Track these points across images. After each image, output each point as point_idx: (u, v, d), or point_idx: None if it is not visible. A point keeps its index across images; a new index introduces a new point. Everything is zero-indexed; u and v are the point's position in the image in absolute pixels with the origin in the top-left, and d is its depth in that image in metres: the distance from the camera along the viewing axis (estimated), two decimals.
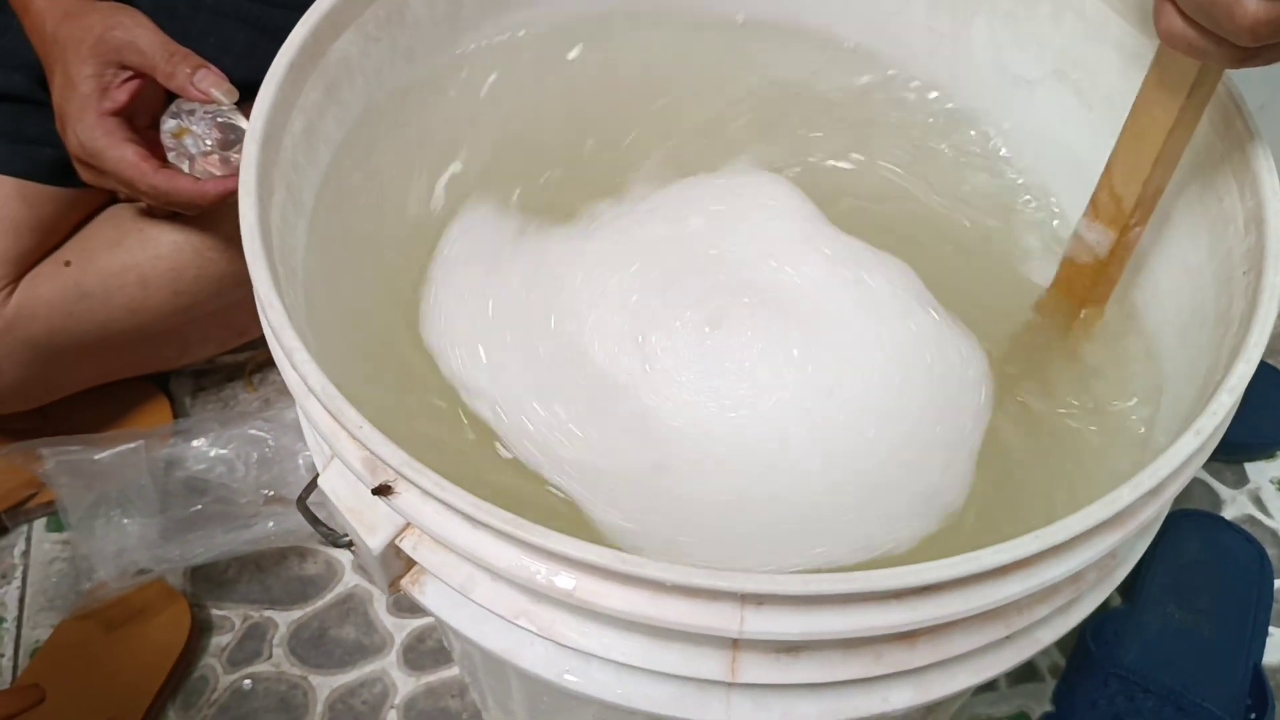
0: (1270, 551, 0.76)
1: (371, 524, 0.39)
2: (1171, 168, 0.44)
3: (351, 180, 0.50)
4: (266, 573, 0.74)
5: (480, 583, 0.38)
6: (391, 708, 0.70)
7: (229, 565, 0.75)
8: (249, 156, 0.42)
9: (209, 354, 0.81)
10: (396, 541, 0.39)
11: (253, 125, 0.43)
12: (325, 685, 0.70)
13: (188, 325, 0.74)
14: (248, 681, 0.70)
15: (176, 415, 0.81)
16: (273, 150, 0.44)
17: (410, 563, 0.40)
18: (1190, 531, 0.75)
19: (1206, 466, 0.81)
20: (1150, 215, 0.46)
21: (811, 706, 0.38)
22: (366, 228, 0.51)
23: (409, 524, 0.38)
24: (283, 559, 0.75)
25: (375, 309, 0.50)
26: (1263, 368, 0.82)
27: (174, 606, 0.72)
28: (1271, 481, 0.80)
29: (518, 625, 0.38)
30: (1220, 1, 0.35)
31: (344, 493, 0.40)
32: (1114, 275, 0.48)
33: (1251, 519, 0.79)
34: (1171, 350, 0.47)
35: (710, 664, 0.37)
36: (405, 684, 0.71)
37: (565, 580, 0.35)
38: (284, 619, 0.73)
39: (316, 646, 0.72)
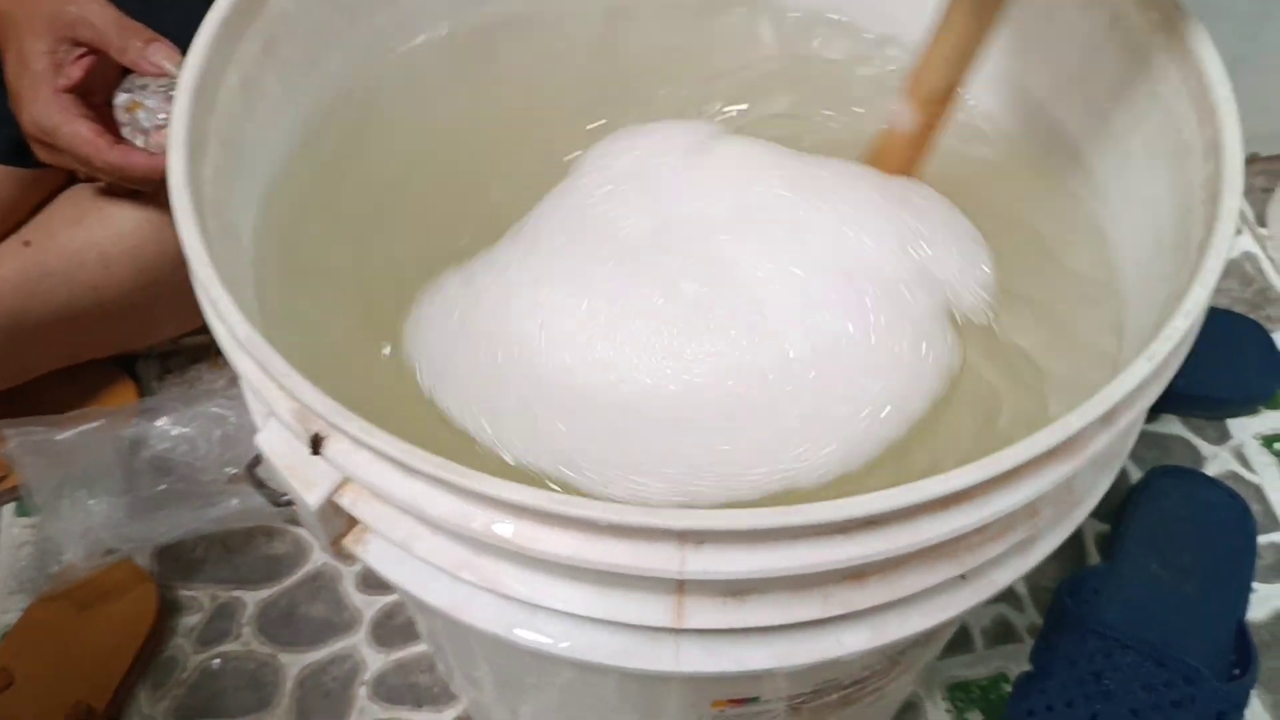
0: (1254, 507, 0.76)
1: (309, 480, 0.38)
2: (971, 56, 0.45)
3: (300, 143, 0.50)
4: (234, 552, 0.74)
5: (421, 536, 0.37)
6: (361, 684, 0.69)
7: (196, 545, 0.74)
8: (180, 108, 0.41)
9: (175, 333, 0.80)
10: (335, 498, 0.38)
11: (183, 77, 0.42)
12: (295, 663, 0.70)
13: (152, 303, 0.73)
14: (217, 661, 0.70)
15: (143, 397, 0.80)
16: (206, 102, 0.43)
17: (351, 520, 0.39)
18: (1171, 488, 0.74)
19: (1188, 423, 0.80)
20: (953, 105, 0.47)
21: (763, 651, 0.37)
22: (326, 191, 0.50)
23: (346, 479, 0.37)
24: (250, 538, 0.74)
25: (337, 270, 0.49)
26: (1247, 323, 0.82)
27: (142, 587, 0.71)
28: (1255, 437, 0.79)
29: (461, 579, 0.37)
30: None
31: (281, 450, 0.39)
32: (916, 154, 0.49)
33: (1234, 475, 0.78)
34: (1134, 284, 0.46)
35: (656, 610, 0.36)
36: (375, 660, 0.70)
37: (502, 526, 0.34)
38: (252, 598, 0.72)
39: (285, 625, 0.71)
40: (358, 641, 0.71)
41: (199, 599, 0.72)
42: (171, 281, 0.72)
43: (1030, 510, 0.38)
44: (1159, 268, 0.43)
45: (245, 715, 0.68)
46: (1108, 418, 0.35)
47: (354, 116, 0.52)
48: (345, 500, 0.38)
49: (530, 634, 0.38)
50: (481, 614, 0.38)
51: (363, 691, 0.69)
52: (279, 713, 0.68)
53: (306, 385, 0.34)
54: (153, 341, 0.80)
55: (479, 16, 0.56)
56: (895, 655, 0.48)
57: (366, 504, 0.38)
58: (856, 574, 0.36)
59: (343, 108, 0.52)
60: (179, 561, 0.74)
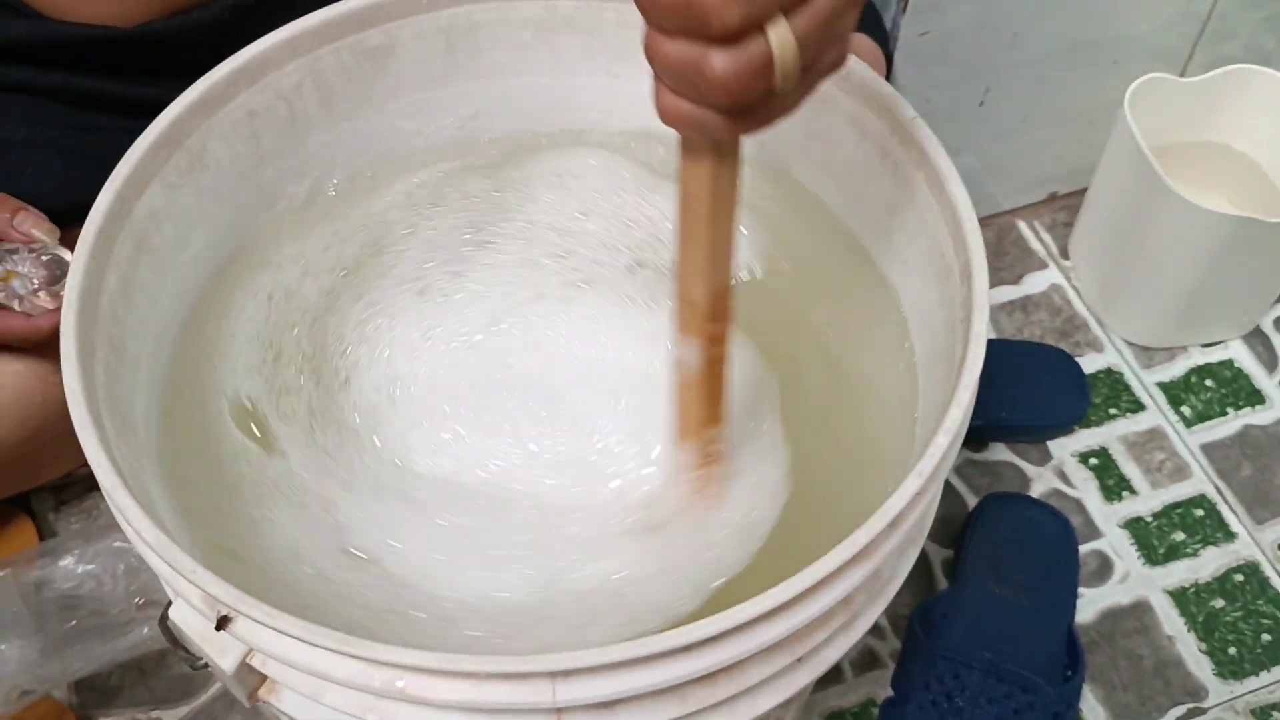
0: (1075, 519, 0.85)
1: (221, 648, 0.43)
2: (727, 255, 0.42)
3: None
4: (149, 675, 0.77)
5: (328, 689, 0.42)
6: None
7: (112, 673, 0.77)
8: (67, 324, 0.45)
9: (65, 470, 0.82)
10: (247, 660, 0.43)
11: (68, 295, 0.46)
12: None
13: (40, 450, 0.76)
14: None
15: (41, 530, 0.82)
16: (90, 312, 0.47)
17: (264, 676, 0.44)
18: (1001, 512, 0.83)
19: (1013, 448, 0.89)
20: (729, 316, 0.44)
21: None
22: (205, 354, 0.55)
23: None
24: (164, 659, 0.77)
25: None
26: (1056, 353, 0.92)
27: None
28: (1072, 455, 0.89)
29: None
30: (691, 66, 0.32)
31: (193, 622, 0.44)
32: (714, 391, 0.46)
33: (1058, 492, 0.87)
34: (925, 389, 0.53)
35: None
36: None
37: (397, 681, 0.39)
38: (172, 717, 0.75)
39: None
40: None
41: None
42: (58, 428, 0.75)
43: (846, 602, 0.45)
44: (936, 372, 0.50)
45: None
46: (892, 525, 0.42)
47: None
48: (256, 662, 0.43)
49: None
50: None
51: None
52: None
53: (212, 579, 0.39)
54: (44, 481, 0.83)
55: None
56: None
57: (276, 665, 0.43)
58: (706, 677, 0.42)
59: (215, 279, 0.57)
60: (95, 690, 0.77)
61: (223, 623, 0.41)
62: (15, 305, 0.65)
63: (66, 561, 0.73)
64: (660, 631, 0.39)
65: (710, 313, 0.43)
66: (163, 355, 0.53)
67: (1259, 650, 0.80)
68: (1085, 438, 0.89)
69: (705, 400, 0.46)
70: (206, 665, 0.45)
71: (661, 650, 0.38)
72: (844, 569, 0.41)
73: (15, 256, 0.65)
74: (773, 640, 0.41)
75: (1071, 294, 0.97)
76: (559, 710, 0.41)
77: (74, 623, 0.73)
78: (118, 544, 0.74)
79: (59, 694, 0.76)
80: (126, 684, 0.77)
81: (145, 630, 0.73)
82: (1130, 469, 0.88)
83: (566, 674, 0.39)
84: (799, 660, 0.45)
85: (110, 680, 0.77)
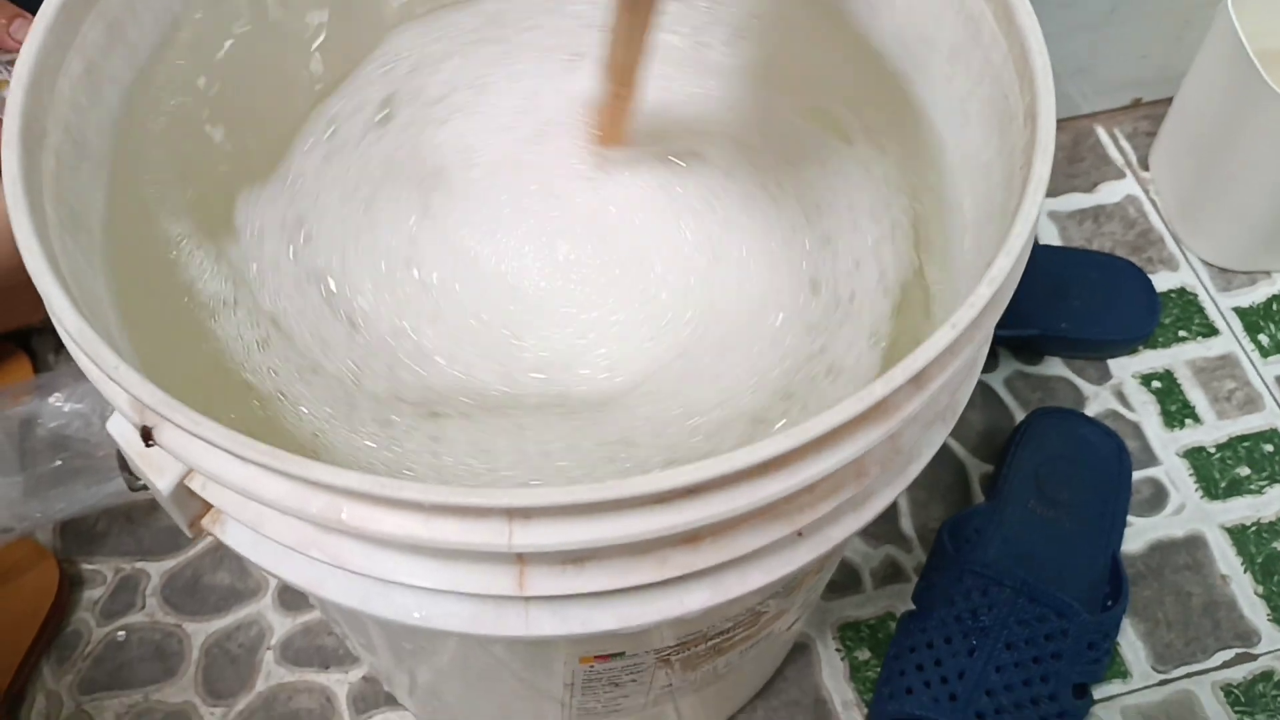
0: (1131, 444, 0.79)
1: (159, 466, 0.39)
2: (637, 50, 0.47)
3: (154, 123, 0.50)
4: (137, 524, 0.74)
5: (269, 517, 0.38)
6: (268, 649, 0.70)
7: (98, 519, 0.74)
8: (13, 102, 0.41)
9: None
10: (186, 482, 0.39)
11: (17, 71, 0.42)
12: (200, 631, 0.71)
13: None
14: (121, 633, 0.71)
15: (39, 373, 0.80)
16: (43, 91, 0.42)
17: (205, 503, 0.40)
18: (1051, 427, 0.77)
19: (1070, 365, 0.82)
20: (634, 81, 0.49)
21: (607, 612, 0.39)
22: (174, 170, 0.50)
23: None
24: (152, 510, 0.74)
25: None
26: (1127, 266, 0.84)
27: (43, 563, 0.71)
28: (1134, 376, 0.82)
29: (311, 556, 0.38)
30: None
31: (130, 436, 0.40)
32: (615, 119, 0.51)
33: (1114, 414, 0.81)
34: (968, 252, 0.47)
35: (499, 580, 0.37)
36: (281, 625, 0.71)
37: (334, 508, 0.35)
38: (156, 569, 0.73)
39: (190, 594, 0.72)
40: (263, 607, 0.72)
41: (102, 572, 0.73)
42: None
43: (857, 469, 0.39)
44: (988, 233, 0.44)
45: (151, 685, 0.69)
46: (917, 381, 0.36)
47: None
48: (195, 485, 0.39)
49: (384, 606, 0.40)
50: (336, 589, 0.40)
51: (269, 656, 0.70)
52: (185, 681, 0.69)
53: (136, 378, 0.35)
54: (44, 317, 0.80)
55: None
56: (757, 607, 0.50)
57: (215, 489, 0.39)
58: (690, 538, 0.37)
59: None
60: (80, 536, 0.74)
61: (147, 435, 0.37)
62: None
63: (55, 398, 0.70)
64: None
65: (618, 77, 0.48)
66: (137, 161, 0.49)
67: None
68: (1149, 359, 0.83)
69: (609, 124, 0.51)
70: (145, 487, 0.41)
71: (634, 495, 0.33)
72: (855, 424, 0.36)
73: (11, 67, 0.61)
74: (766, 500, 0.36)
75: (1148, 207, 0.90)
76: (520, 557, 0.37)
77: (59, 463, 0.70)
78: None
79: (42, 537, 0.73)
80: (113, 532, 0.74)
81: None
82: (1196, 395, 0.81)
83: (526, 513, 0.34)
84: (799, 534, 0.40)
85: (96, 526, 0.74)
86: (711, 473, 0.34)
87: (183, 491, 0.39)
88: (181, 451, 0.36)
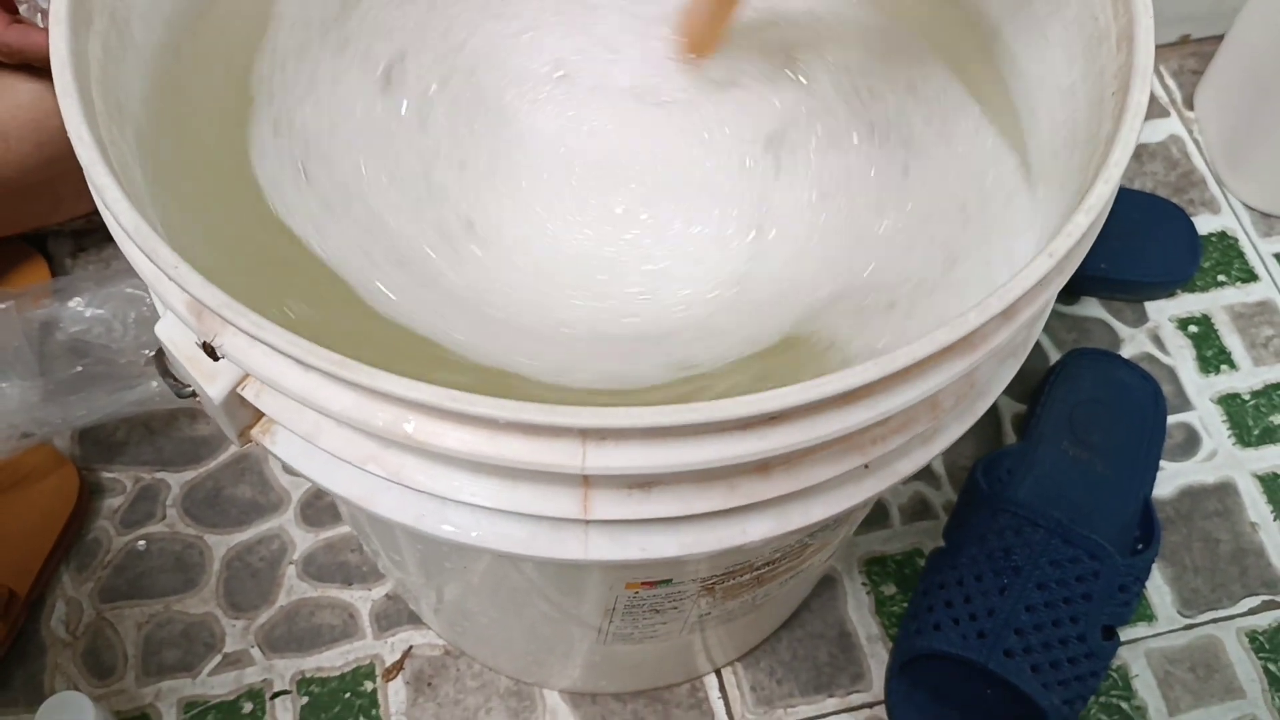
0: (1166, 388, 0.78)
1: (210, 372, 0.38)
2: None
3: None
4: (157, 434, 0.73)
5: (326, 429, 0.37)
6: (290, 563, 0.69)
7: (118, 428, 0.73)
8: None
9: (85, 210, 0.77)
10: (239, 390, 0.38)
11: None
12: (221, 544, 0.70)
13: (57, 179, 0.71)
14: (142, 542, 0.70)
15: (55, 276, 0.78)
16: None
17: (257, 412, 0.39)
18: (1086, 369, 0.75)
19: (1106, 306, 0.81)
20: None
21: (669, 539, 0.38)
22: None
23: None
24: (173, 420, 0.73)
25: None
26: (1169, 207, 0.83)
27: (61, 470, 0.70)
28: (1171, 320, 0.81)
29: (368, 471, 0.37)
30: None
31: (180, 341, 0.38)
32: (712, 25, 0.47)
33: (1149, 357, 0.80)
34: (1049, 176, 0.46)
35: (562, 502, 0.36)
36: (303, 540, 0.70)
37: (403, 422, 0.34)
38: (176, 480, 0.72)
39: (211, 506, 0.71)
40: (285, 522, 0.71)
41: (121, 481, 0.72)
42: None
43: (932, 403, 0.38)
44: (1073, 160, 0.43)
45: (172, 595, 0.68)
46: (1007, 313, 0.35)
47: None
48: (249, 393, 0.38)
49: (440, 524, 0.38)
50: (391, 505, 0.39)
51: (291, 571, 0.69)
52: (205, 593, 0.68)
53: (197, 278, 0.33)
54: (62, 219, 0.78)
55: None
56: (805, 539, 0.49)
57: (270, 397, 0.37)
58: (761, 466, 0.36)
59: None
60: (100, 444, 0.73)
61: (210, 350, 0.35)
62: (38, 20, 0.59)
63: (75, 302, 0.69)
64: None
65: None
66: (179, 50, 0.46)
67: None
68: (1188, 302, 0.81)
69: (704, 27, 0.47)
70: (194, 394, 0.40)
71: (715, 420, 0.32)
72: (942, 355, 0.34)
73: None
74: (844, 432, 0.34)
75: (1191, 148, 0.88)
76: (586, 479, 0.35)
77: (79, 369, 0.69)
78: (130, 290, 0.69)
79: (61, 443, 0.72)
80: (132, 441, 0.73)
81: (154, 385, 0.68)
82: (1233, 341, 0.80)
83: (601, 434, 0.33)
84: (867, 466, 0.39)
85: (116, 435, 0.73)
86: (795, 400, 0.32)
87: (234, 400, 0.38)
88: (240, 356, 0.35)
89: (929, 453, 0.40)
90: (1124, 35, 0.40)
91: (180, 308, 0.35)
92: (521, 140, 0.48)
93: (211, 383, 0.38)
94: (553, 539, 0.38)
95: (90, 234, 0.80)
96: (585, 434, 0.33)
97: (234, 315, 0.33)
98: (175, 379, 0.42)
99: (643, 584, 0.47)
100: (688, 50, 0.49)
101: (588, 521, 0.37)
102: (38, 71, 0.67)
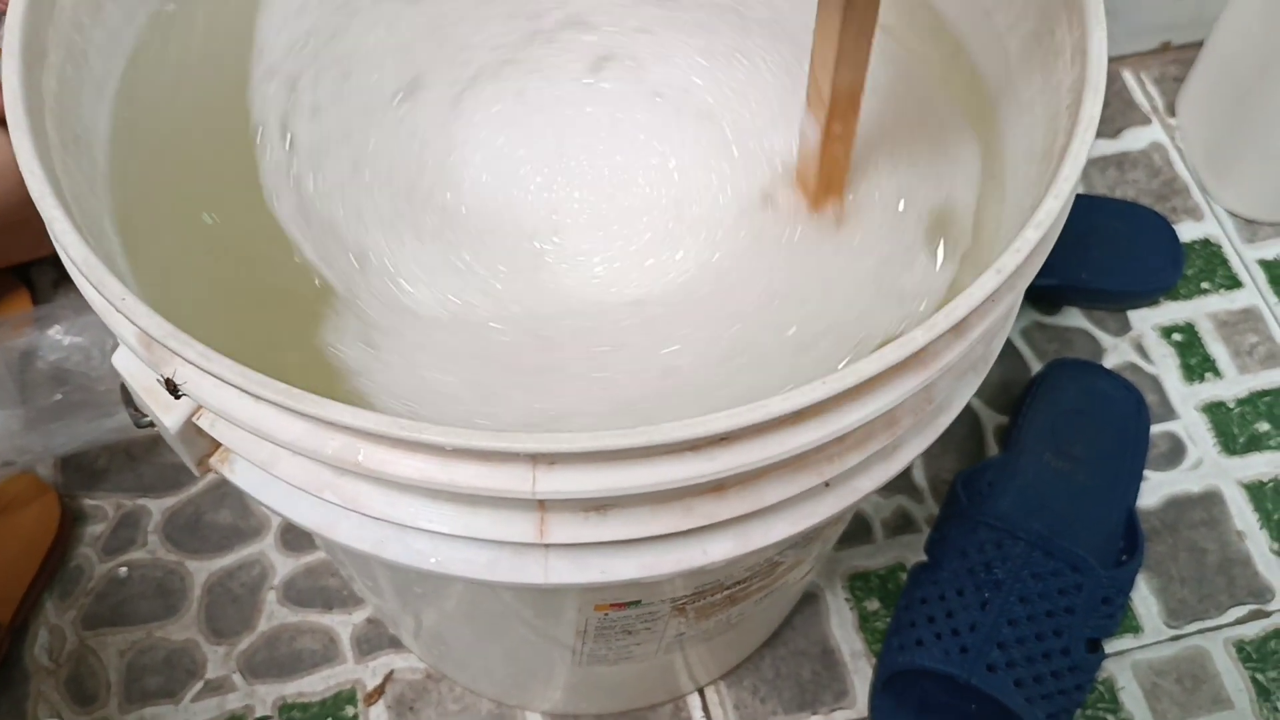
0: (1150, 397, 0.77)
1: (166, 402, 0.38)
2: (859, 64, 0.40)
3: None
4: (138, 461, 0.73)
5: (282, 458, 0.37)
6: (270, 589, 0.69)
7: (99, 455, 0.73)
8: (14, 16, 0.39)
9: None
10: (194, 420, 0.38)
11: None
12: (202, 570, 0.70)
13: (38, 216, 0.71)
14: (124, 569, 0.70)
15: (38, 304, 0.78)
16: (45, 10, 0.40)
17: (214, 441, 0.39)
18: (1068, 380, 0.75)
19: (1089, 315, 0.81)
20: (855, 111, 0.42)
21: (629, 561, 0.38)
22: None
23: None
24: (153, 447, 0.73)
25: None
26: (1150, 215, 0.83)
27: (44, 498, 0.70)
28: (1154, 328, 0.81)
29: (325, 500, 0.37)
30: None
31: (136, 372, 0.39)
32: (830, 168, 0.44)
33: (1133, 366, 0.79)
34: (1011, 190, 0.46)
35: (519, 526, 0.36)
36: (284, 565, 0.70)
37: (354, 451, 0.34)
38: (157, 506, 0.72)
39: (192, 532, 0.71)
40: (265, 547, 0.71)
41: (103, 508, 0.72)
42: None
43: (889, 420, 0.38)
44: (1030, 174, 0.43)
45: (154, 622, 0.68)
46: (958, 329, 0.35)
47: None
48: (204, 423, 0.38)
49: (400, 551, 0.38)
50: (350, 533, 0.38)
51: (271, 596, 0.69)
52: (187, 619, 0.68)
53: (143, 309, 0.33)
54: (47, 253, 0.78)
55: None
56: (775, 557, 0.49)
57: (225, 426, 0.37)
58: (716, 487, 0.36)
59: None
60: (81, 471, 0.73)
61: (172, 387, 0.35)
62: None
63: (54, 330, 0.69)
64: None
65: (832, 108, 0.41)
66: (140, 81, 0.47)
67: None
68: (1171, 311, 0.81)
69: (821, 176, 0.44)
70: (152, 424, 0.40)
71: (664, 442, 0.32)
72: (892, 373, 0.34)
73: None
74: (798, 449, 0.34)
75: (1174, 155, 0.88)
76: (541, 503, 0.35)
77: (60, 397, 0.69)
78: None
79: (43, 471, 0.72)
80: (114, 468, 0.73)
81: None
82: (1217, 349, 0.80)
83: (550, 458, 0.33)
84: (826, 485, 0.39)
85: (98, 462, 0.73)
86: (743, 420, 0.32)
87: (191, 430, 0.38)
88: (190, 388, 0.35)
89: (890, 469, 0.40)
90: (1078, 49, 0.40)
91: (130, 339, 0.35)
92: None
93: (168, 413, 0.38)
94: (513, 564, 0.38)
95: None
96: (535, 459, 0.33)
97: (180, 346, 0.33)
98: (135, 409, 0.42)
99: (612, 606, 0.47)
100: (813, 205, 0.45)
101: (546, 545, 0.37)
102: None
